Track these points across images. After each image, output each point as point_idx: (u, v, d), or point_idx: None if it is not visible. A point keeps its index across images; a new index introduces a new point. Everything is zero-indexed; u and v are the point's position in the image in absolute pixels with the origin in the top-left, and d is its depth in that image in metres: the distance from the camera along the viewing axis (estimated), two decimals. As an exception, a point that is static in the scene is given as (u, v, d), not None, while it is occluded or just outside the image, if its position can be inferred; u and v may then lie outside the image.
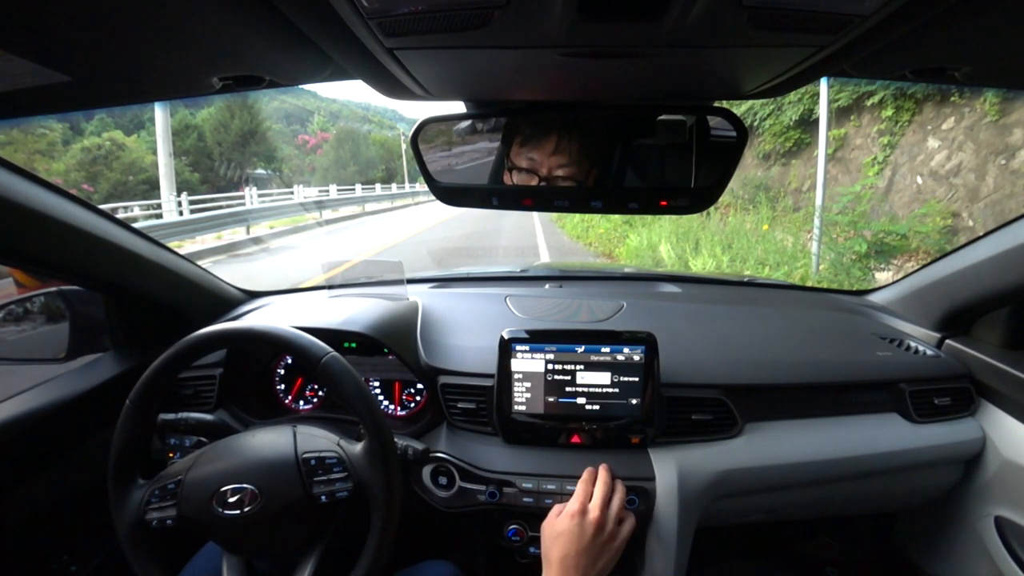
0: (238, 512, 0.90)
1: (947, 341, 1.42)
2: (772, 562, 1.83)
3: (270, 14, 0.56)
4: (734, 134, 0.83)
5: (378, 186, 30.64)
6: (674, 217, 8.77)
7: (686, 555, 1.14)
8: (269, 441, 0.98)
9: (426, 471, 1.20)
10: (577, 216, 12.76)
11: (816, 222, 6.46)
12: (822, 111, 6.85)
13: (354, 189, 28.05)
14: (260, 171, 34.39)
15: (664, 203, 0.87)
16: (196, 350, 0.98)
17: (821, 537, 1.86)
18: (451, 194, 0.93)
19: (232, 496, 0.91)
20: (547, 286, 1.75)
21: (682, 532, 1.13)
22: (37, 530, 1.19)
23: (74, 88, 0.72)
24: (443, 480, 1.19)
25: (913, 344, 1.41)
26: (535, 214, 15.80)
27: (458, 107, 0.88)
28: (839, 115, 8.86)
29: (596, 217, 11.65)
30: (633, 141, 0.89)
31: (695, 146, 0.87)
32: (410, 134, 0.90)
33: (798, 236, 7.86)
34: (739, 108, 10.23)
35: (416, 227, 15.93)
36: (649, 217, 10.33)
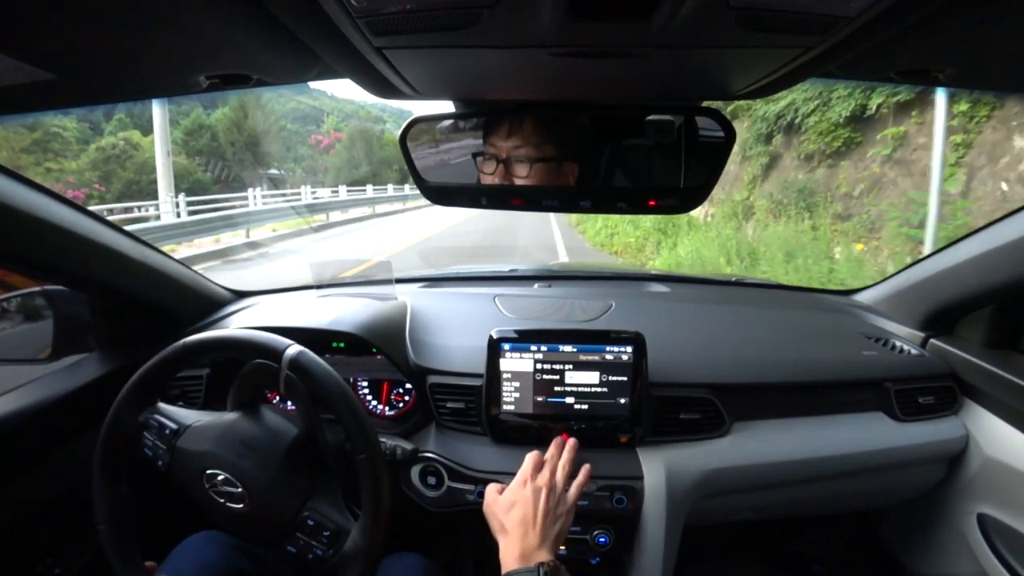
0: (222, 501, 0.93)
1: (931, 340, 1.43)
2: (760, 560, 1.84)
3: (257, 12, 0.55)
4: (722, 134, 0.83)
5: (390, 187, 29.10)
6: (708, 226, 8.17)
7: (674, 554, 1.15)
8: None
9: (415, 471, 1.20)
10: (600, 221, 12.20)
11: (928, 233, 5.62)
12: (938, 112, 5.80)
13: (365, 190, 27.01)
14: (273, 171, 33.75)
15: (652, 203, 0.87)
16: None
17: (808, 535, 1.87)
18: (440, 194, 0.93)
19: (224, 486, 0.93)
20: (536, 286, 1.75)
21: (670, 531, 1.14)
22: (21, 533, 1.17)
23: (58, 86, 0.71)
24: (432, 480, 1.19)
25: (898, 343, 1.42)
26: (552, 218, 15.07)
27: (448, 106, 0.88)
28: (897, 111, 7.68)
29: (622, 223, 11.09)
30: (622, 141, 0.89)
31: (684, 146, 0.87)
32: (399, 133, 0.90)
33: (848, 247, 6.92)
34: (739, 108, 9.84)
35: (423, 233, 14.43)
36: (684, 224, 9.78)
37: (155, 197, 14.90)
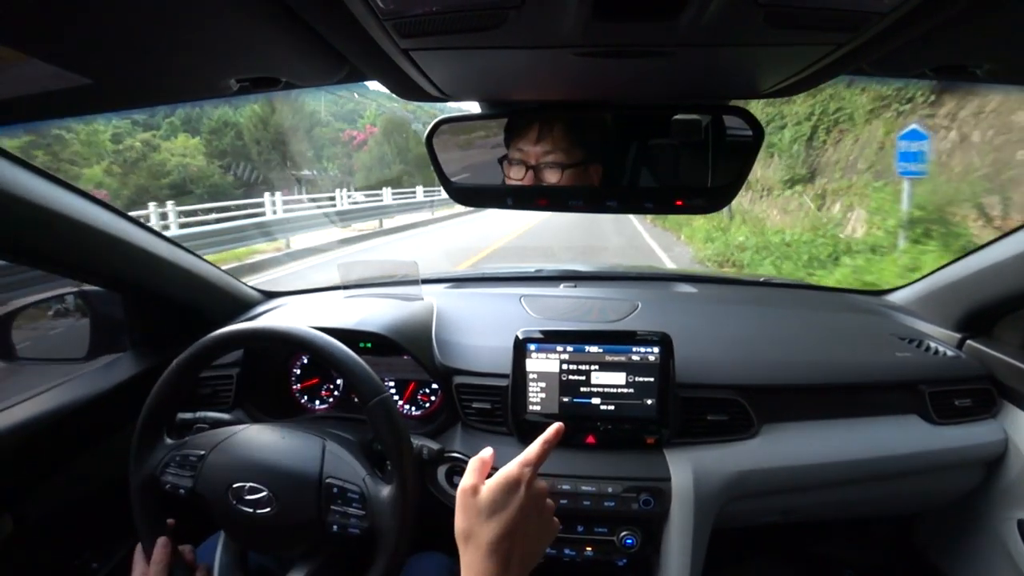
0: (250, 511, 0.92)
1: (968, 342, 1.40)
2: (789, 564, 1.81)
3: (286, 15, 0.56)
4: (750, 133, 0.82)
5: (419, 189, 23.40)
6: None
7: (702, 556, 1.14)
8: (296, 449, 0.98)
9: (441, 471, 1.20)
10: (709, 225, 10.48)
11: None
12: None
13: (415, 192, 23.08)
14: (305, 172, 31.17)
15: (680, 203, 0.87)
16: (280, 344, 1.09)
17: (838, 539, 1.84)
18: (466, 195, 0.93)
19: (248, 494, 0.92)
20: (562, 286, 1.75)
21: (698, 533, 1.13)
22: (58, 527, 1.20)
23: (96, 91, 0.73)
24: (458, 480, 1.18)
25: (933, 345, 1.39)
26: (636, 223, 14.27)
27: (474, 107, 0.89)
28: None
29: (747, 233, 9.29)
30: (648, 140, 0.88)
31: (711, 145, 0.86)
32: (424, 135, 0.90)
33: None
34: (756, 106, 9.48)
35: (491, 243, 11.86)
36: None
37: (164, 202, 12.03)
